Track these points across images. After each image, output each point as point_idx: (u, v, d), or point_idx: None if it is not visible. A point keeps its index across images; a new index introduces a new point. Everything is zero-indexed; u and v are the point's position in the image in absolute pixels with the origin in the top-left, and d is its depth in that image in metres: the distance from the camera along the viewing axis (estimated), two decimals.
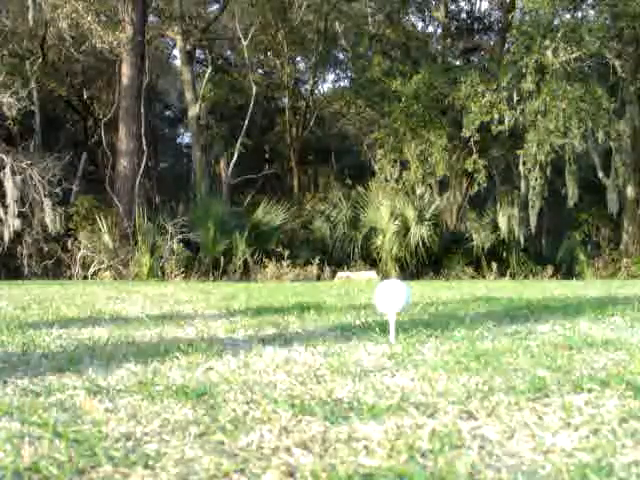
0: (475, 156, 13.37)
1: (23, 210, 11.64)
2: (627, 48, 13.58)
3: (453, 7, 17.34)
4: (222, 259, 11.13)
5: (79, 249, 11.41)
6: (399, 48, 16.26)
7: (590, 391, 0.90)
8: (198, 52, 17.85)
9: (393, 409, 0.81)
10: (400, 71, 14.97)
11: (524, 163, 13.04)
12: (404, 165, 14.55)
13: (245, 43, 15.45)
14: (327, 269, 11.46)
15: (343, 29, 16.96)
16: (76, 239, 11.59)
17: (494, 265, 12.34)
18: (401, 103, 13.96)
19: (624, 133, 13.45)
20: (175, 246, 11.05)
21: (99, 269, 11.13)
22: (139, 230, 11.17)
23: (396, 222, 12.17)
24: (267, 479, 0.59)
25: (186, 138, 21.75)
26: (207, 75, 15.85)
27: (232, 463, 0.63)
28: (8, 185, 11.46)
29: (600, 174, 13.93)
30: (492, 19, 17.57)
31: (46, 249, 11.90)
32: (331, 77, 25.50)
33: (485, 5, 23.31)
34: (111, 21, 12.86)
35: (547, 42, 12.69)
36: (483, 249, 12.64)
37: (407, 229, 12.22)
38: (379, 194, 12.77)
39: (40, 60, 13.89)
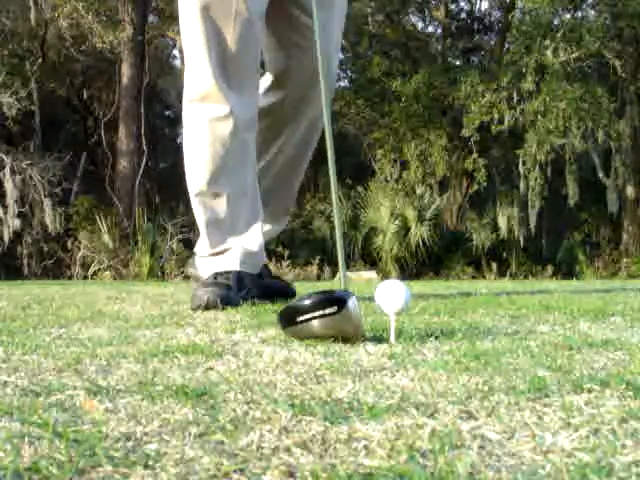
0: (475, 155, 13.39)
1: (23, 210, 11.64)
2: (627, 48, 13.59)
3: (453, 7, 17.34)
4: None
5: (79, 249, 11.41)
6: (399, 48, 16.26)
7: (590, 391, 0.90)
8: None
9: (393, 409, 0.80)
10: (400, 71, 14.98)
11: (524, 163, 13.05)
12: (404, 165, 14.56)
13: None
14: (327, 269, 11.46)
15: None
16: (76, 239, 11.60)
17: (494, 265, 12.34)
18: (401, 103, 13.96)
19: (624, 133, 13.46)
20: (175, 246, 11.06)
21: (99, 269, 11.13)
22: (139, 230, 11.17)
23: (396, 222, 12.17)
24: (267, 479, 0.59)
25: None
26: None
27: (232, 463, 0.63)
28: (8, 185, 11.46)
29: (600, 174, 13.94)
30: (492, 19, 17.58)
31: (46, 249, 11.91)
32: None
33: (485, 5, 23.30)
34: (111, 21, 12.86)
35: (547, 42, 12.71)
36: (483, 249, 12.65)
37: (407, 229, 12.22)
38: (379, 194, 12.78)
39: (40, 60, 13.89)
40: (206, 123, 2.40)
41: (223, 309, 2.19)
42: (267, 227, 2.79)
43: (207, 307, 2.20)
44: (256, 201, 2.54)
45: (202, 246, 2.53)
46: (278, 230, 2.95)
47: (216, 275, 2.38)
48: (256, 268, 2.53)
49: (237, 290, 2.33)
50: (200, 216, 2.48)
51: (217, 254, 2.47)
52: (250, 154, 2.51)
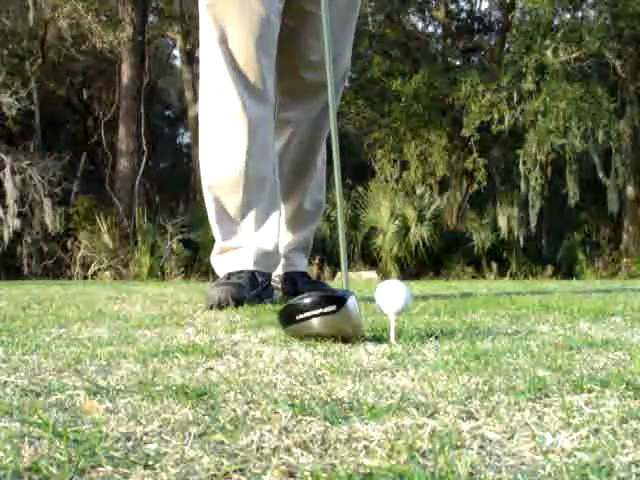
0: (475, 155, 13.39)
1: (23, 210, 11.64)
2: (627, 48, 13.58)
3: (453, 7, 17.34)
4: None
5: (79, 249, 11.41)
6: (399, 48, 16.25)
7: (590, 391, 0.90)
8: (198, 52, 17.84)
9: (393, 409, 0.80)
10: (400, 71, 14.98)
11: (524, 163, 13.05)
12: (404, 165, 14.55)
13: None
14: (327, 269, 11.46)
15: None
16: (76, 239, 11.60)
17: (494, 265, 12.34)
18: (401, 103, 13.96)
19: (624, 133, 13.46)
20: (175, 246, 11.05)
21: (99, 269, 11.13)
22: (139, 230, 11.17)
23: (396, 222, 12.16)
24: (267, 479, 0.59)
25: (186, 138, 21.73)
26: None
27: (232, 463, 0.63)
28: (8, 185, 11.46)
29: (600, 174, 13.94)
30: (492, 19, 17.57)
31: (46, 249, 11.91)
32: None
33: (485, 5, 23.31)
34: (111, 21, 12.86)
35: (547, 42, 12.71)
36: (483, 249, 12.64)
37: (407, 229, 12.22)
38: (379, 194, 12.77)
39: (40, 60, 13.88)
40: (224, 120, 2.40)
41: (236, 306, 2.19)
42: (301, 230, 2.78)
43: (220, 305, 2.19)
44: (274, 197, 2.51)
45: (215, 244, 2.53)
46: (312, 230, 2.87)
47: (229, 275, 2.38)
48: (271, 268, 2.51)
49: (250, 289, 2.32)
50: (211, 209, 2.47)
51: (229, 250, 2.45)
52: (269, 150, 2.50)
